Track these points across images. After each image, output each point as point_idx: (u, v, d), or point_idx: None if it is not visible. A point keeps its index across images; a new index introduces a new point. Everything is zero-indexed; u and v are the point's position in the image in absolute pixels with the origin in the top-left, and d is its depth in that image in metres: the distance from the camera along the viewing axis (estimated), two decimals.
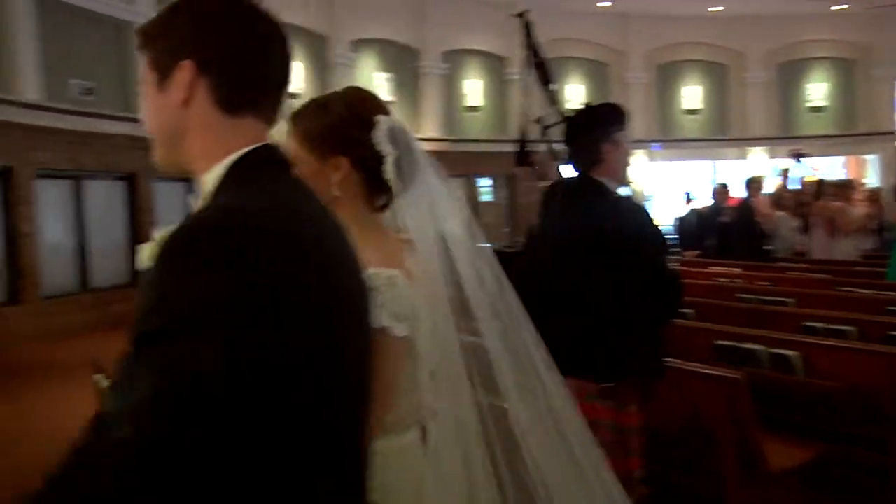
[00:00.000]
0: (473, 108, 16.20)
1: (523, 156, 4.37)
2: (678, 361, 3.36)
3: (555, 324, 2.85)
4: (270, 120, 1.22)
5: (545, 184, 3.34)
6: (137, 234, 10.34)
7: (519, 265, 3.44)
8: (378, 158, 1.55)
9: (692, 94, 18.02)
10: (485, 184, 16.45)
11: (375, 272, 1.38)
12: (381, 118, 1.58)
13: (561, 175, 3.27)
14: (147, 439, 0.88)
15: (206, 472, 0.91)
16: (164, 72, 1.17)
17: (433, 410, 1.57)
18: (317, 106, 1.62)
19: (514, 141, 5.80)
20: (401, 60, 15.19)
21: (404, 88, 15.15)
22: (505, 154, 14.52)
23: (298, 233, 1.06)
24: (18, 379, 7.35)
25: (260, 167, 1.15)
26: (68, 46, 9.68)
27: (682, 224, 10.73)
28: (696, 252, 9.29)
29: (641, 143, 15.53)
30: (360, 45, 14.55)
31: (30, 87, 9.13)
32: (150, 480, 0.88)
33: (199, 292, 0.93)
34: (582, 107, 3.08)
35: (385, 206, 1.60)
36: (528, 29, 4.98)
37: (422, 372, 1.51)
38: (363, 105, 1.60)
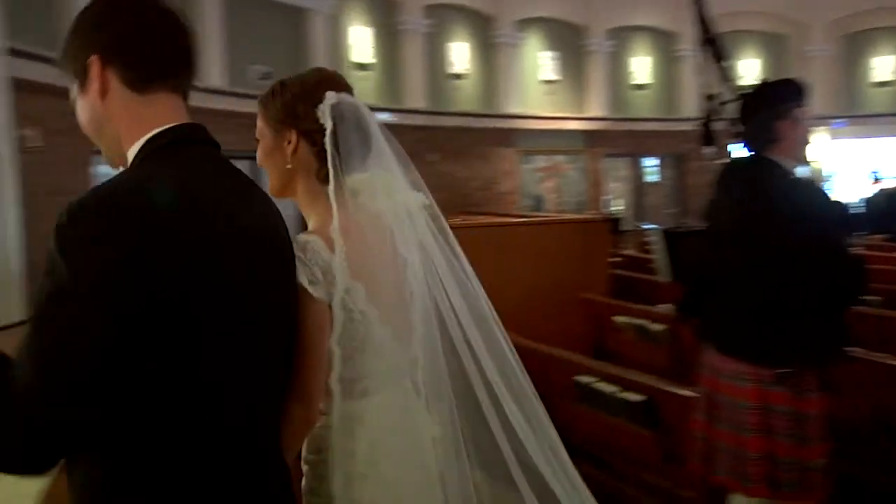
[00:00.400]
0: (640, 87, 15.71)
1: (708, 134, 4.21)
2: (863, 351, 3.18)
3: (729, 307, 2.78)
4: (183, 91, 1.34)
5: (721, 163, 3.24)
6: None
7: (690, 246, 3.35)
8: (324, 132, 1.64)
9: (884, 65, 16.54)
10: (650, 164, 15.98)
11: (299, 237, 1.55)
12: (330, 94, 1.66)
13: (731, 154, 3.16)
14: (45, 384, 1.06)
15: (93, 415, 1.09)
16: (81, 76, 1.30)
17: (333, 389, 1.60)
18: (279, 85, 1.73)
19: (689, 119, 5.60)
20: (566, 39, 14.96)
21: (570, 67, 14.93)
22: (672, 133, 14.12)
23: (174, 206, 1.16)
24: None
25: (166, 146, 1.26)
26: (250, 34, 10.25)
27: (869, 205, 9.99)
28: (884, 235, 8.63)
29: (823, 119, 14.52)
30: (525, 24, 14.47)
31: (215, 74, 9.76)
32: (48, 413, 1.06)
33: (76, 266, 1.08)
34: (758, 83, 2.98)
35: (328, 178, 1.66)
36: (698, 4, 4.79)
37: (334, 341, 1.56)
38: (319, 82, 1.70)
